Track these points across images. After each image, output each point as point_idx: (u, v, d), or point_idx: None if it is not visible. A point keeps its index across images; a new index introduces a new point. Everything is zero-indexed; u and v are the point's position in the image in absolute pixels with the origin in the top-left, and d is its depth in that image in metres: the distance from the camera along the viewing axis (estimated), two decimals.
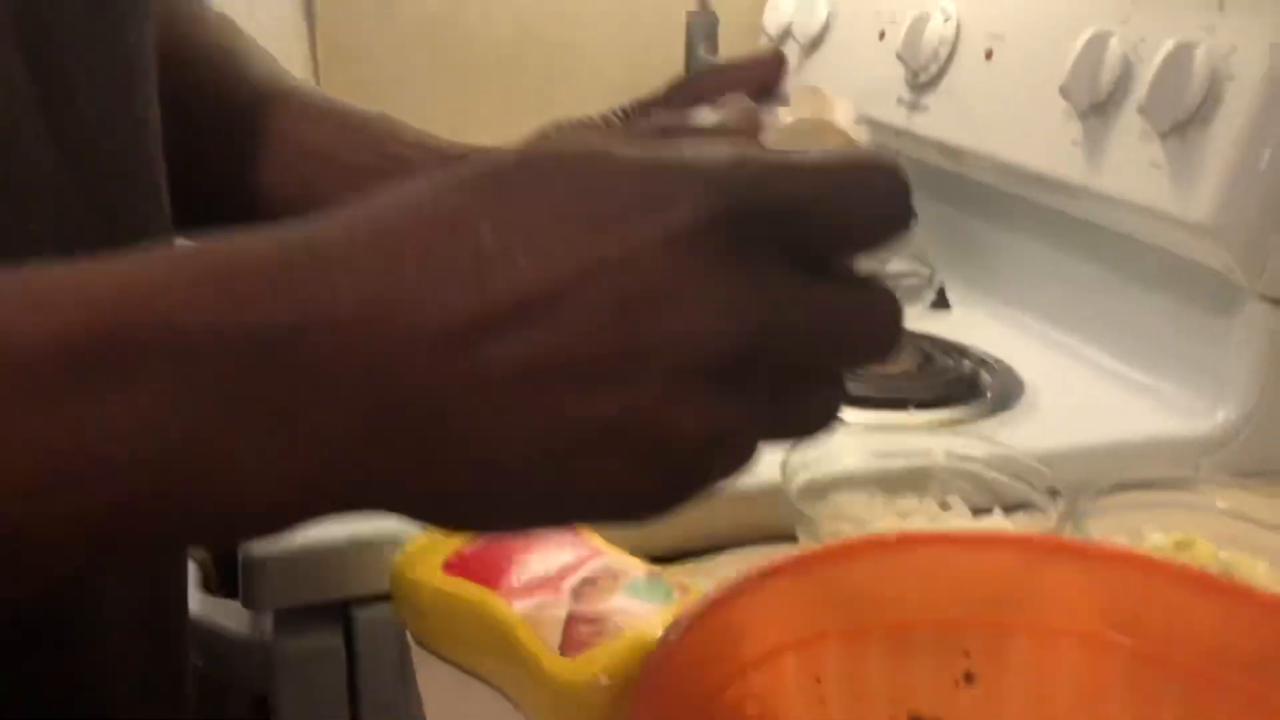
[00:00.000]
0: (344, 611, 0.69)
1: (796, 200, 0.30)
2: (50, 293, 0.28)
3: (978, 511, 0.71)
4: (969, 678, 0.50)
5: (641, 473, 0.30)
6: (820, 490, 0.71)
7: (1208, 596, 0.48)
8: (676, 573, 0.63)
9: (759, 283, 0.30)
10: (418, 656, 0.61)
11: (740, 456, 0.33)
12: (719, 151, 0.30)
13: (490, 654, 0.58)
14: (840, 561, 0.49)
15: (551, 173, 0.30)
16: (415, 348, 0.28)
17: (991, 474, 0.72)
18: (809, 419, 0.34)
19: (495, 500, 0.30)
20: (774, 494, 0.68)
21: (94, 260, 0.29)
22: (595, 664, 0.53)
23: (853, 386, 0.89)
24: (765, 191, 0.30)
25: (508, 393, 0.28)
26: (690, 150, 0.30)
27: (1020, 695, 0.50)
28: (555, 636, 0.55)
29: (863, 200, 0.31)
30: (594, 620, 0.55)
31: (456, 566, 0.60)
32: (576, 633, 0.55)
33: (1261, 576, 0.63)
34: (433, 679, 0.60)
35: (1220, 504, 0.68)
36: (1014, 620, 0.51)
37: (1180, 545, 0.66)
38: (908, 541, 0.51)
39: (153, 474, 0.27)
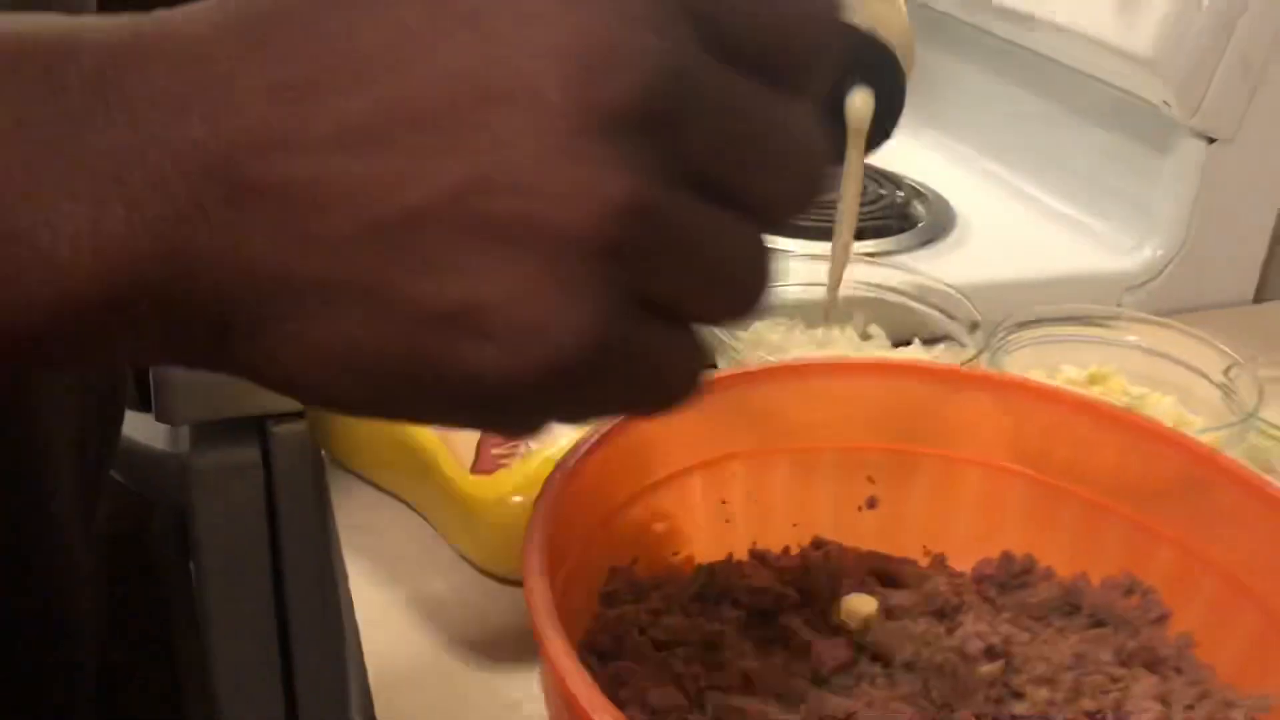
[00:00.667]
0: (260, 427, 0.69)
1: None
2: None
3: (899, 343, 0.72)
4: (871, 503, 0.52)
5: (477, 277, 0.24)
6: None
7: (1112, 430, 0.49)
8: None
9: (664, 33, 0.24)
10: (333, 474, 0.62)
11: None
12: None
13: (404, 472, 0.58)
14: (749, 385, 0.49)
15: None
16: (231, 95, 0.24)
17: (913, 304, 0.72)
18: (735, 286, 0.27)
19: (298, 313, 0.25)
20: None
21: None
22: (507, 482, 0.53)
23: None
24: None
25: (330, 149, 0.24)
26: None
27: (920, 521, 0.51)
28: (468, 456, 0.55)
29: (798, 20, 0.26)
30: (505, 443, 0.55)
31: None
32: (489, 452, 0.55)
33: (1168, 410, 0.65)
34: (347, 497, 0.60)
35: (1134, 339, 0.69)
36: (919, 449, 0.51)
37: (1093, 379, 0.67)
38: (817, 368, 0.51)
39: None
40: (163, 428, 0.71)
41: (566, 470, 0.42)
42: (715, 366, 0.24)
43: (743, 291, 0.27)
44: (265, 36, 0.24)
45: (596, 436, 0.44)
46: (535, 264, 0.23)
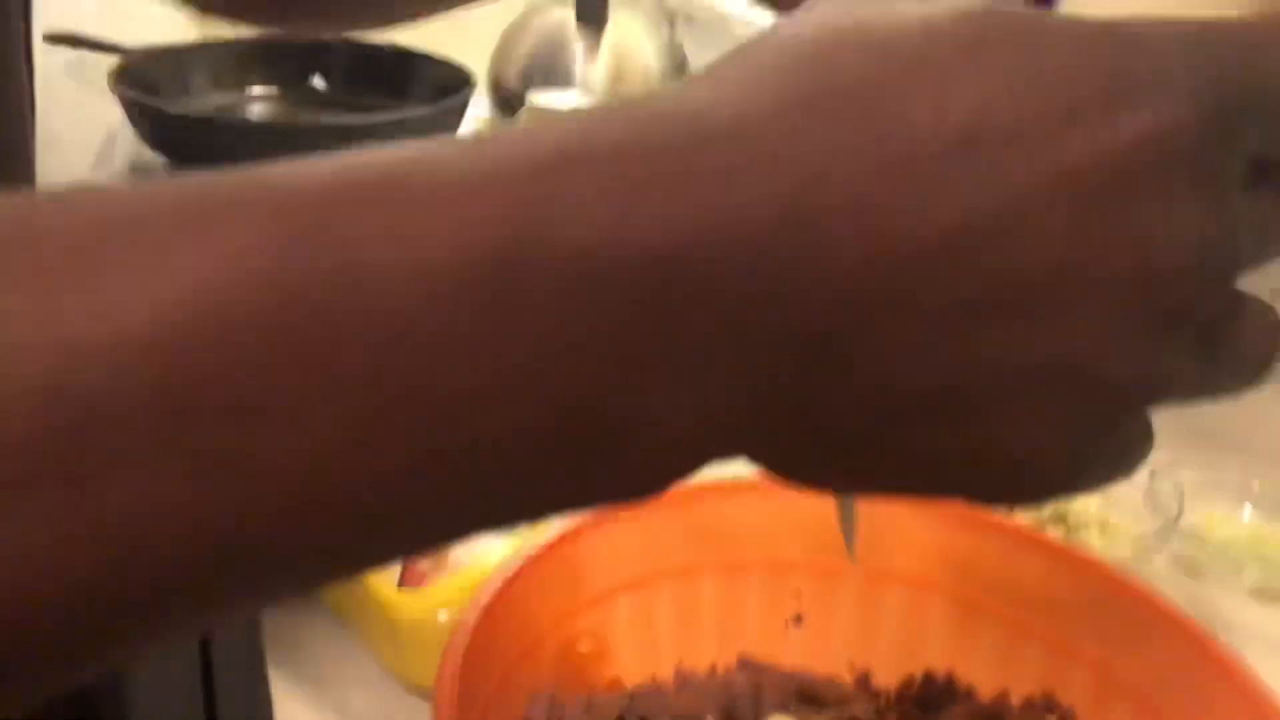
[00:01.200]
0: None
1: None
2: (402, 194, 0.21)
3: None
4: (798, 619, 0.52)
5: (1054, 429, 0.24)
6: None
7: (1032, 550, 0.50)
8: None
9: (1230, 206, 0.24)
10: None
11: (1146, 431, 0.27)
12: (1185, 24, 0.24)
13: (331, 586, 0.57)
14: (678, 504, 0.50)
15: (993, 41, 0.23)
16: (837, 269, 0.22)
17: None
18: (1240, 366, 0.27)
19: (875, 451, 0.24)
20: None
21: (429, 150, 0.22)
22: (434, 598, 0.53)
23: None
24: (1254, 80, 0.24)
25: (926, 323, 0.23)
26: (1154, 25, 0.24)
27: (845, 637, 0.52)
28: (394, 570, 0.55)
29: None
30: (433, 557, 0.55)
31: None
32: (416, 567, 0.55)
33: (1093, 514, 0.66)
34: (274, 612, 0.59)
35: None
36: (845, 563, 0.52)
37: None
38: (744, 486, 0.51)
39: (540, 434, 0.21)
40: None
41: (486, 597, 0.42)
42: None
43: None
44: (859, 186, 0.22)
45: (522, 560, 0.44)
46: (1094, 413, 0.25)
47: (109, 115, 1.17)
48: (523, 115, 0.92)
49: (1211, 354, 0.26)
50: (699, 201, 0.21)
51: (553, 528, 0.47)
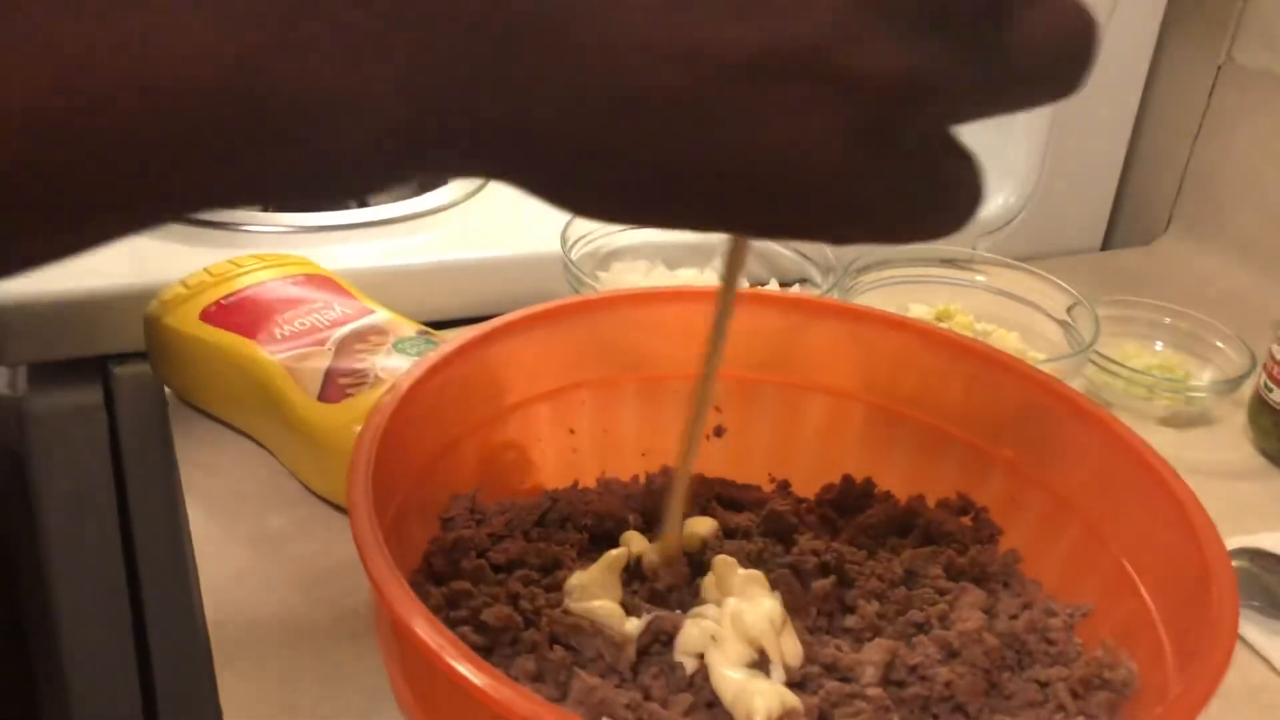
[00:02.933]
0: (102, 367, 0.66)
1: None
2: None
3: (756, 284, 0.72)
4: (719, 431, 0.52)
5: (811, 131, 0.23)
6: (602, 260, 0.71)
7: (960, 360, 0.50)
8: (449, 335, 0.62)
9: None
10: (175, 410, 0.60)
11: (953, 146, 0.26)
12: None
13: (250, 406, 0.56)
14: (597, 313, 0.49)
15: None
16: None
17: (770, 247, 0.73)
18: (1035, 64, 0.25)
19: (625, 162, 0.24)
20: (554, 262, 0.67)
21: None
22: (353, 411, 0.52)
23: None
24: None
25: (642, 10, 0.22)
26: None
27: (766, 448, 0.52)
28: (314, 386, 0.54)
29: None
30: (355, 374, 0.54)
31: (215, 316, 0.58)
32: (336, 384, 0.54)
33: (1012, 345, 0.67)
34: (190, 434, 0.58)
35: (982, 280, 0.70)
36: (767, 377, 0.52)
37: (940, 316, 0.68)
38: (665, 295, 0.51)
39: (206, 97, 0.22)
40: None
41: (399, 393, 0.41)
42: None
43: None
44: None
45: (432, 361, 0.43)
46: (847, 116, 0.23)
47: None
48: None
49: (990, 48, 0.24)
50: None
51: (464, 334, 0.46)
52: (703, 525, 0.45)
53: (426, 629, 0.30)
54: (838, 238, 0.27)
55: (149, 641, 0.75)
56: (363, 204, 0.79)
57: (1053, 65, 0.25)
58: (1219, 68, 0.88)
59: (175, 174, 0.23)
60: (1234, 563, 0.53)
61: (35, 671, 0.81)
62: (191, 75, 0.22)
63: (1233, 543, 0.54)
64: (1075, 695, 0.39)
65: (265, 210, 0.76)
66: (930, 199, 0.26)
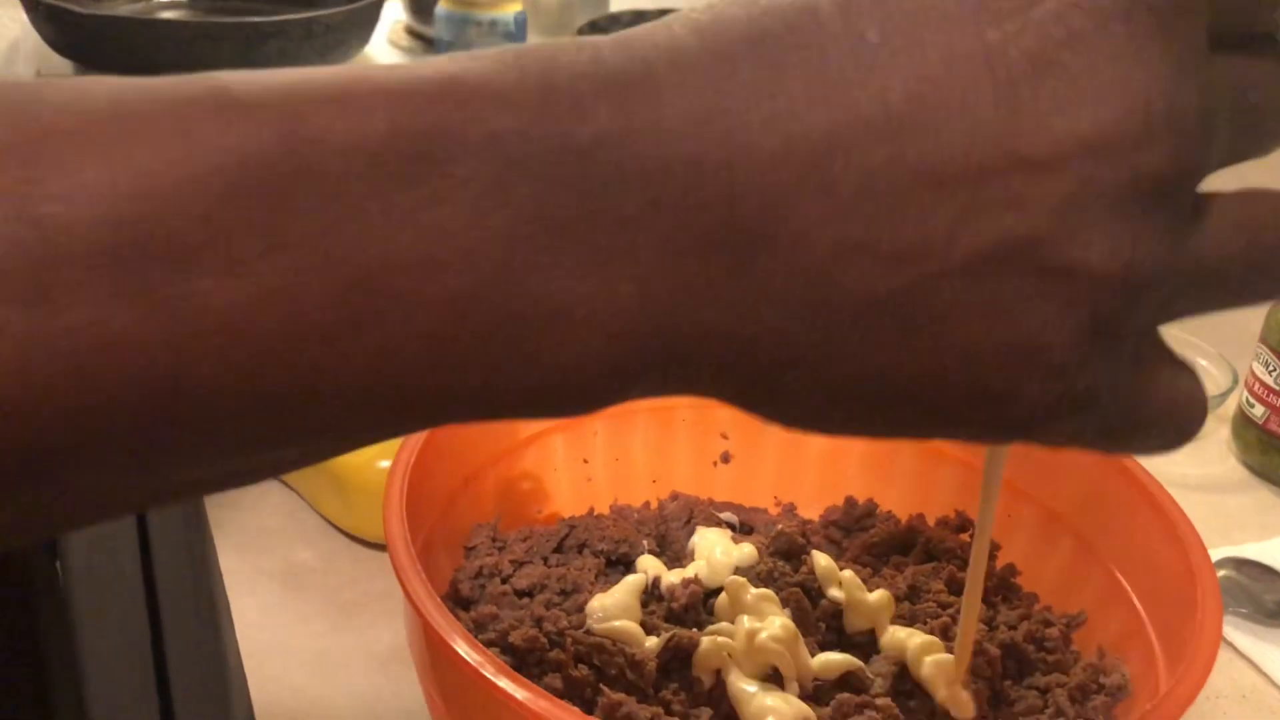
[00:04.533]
0: None
1: None
2: (352, 85, 0.22)
3: None
4: (725, 458, 0.54)
5: (1025, 329, 0.23)
6: None
7: None
8: None
9: (1195, 66, 0.22)
10: None
11: (1158, 347, 0.25)
12: None
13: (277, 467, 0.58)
14: None
15: None
16: (750, 154, 0.22)
17: None
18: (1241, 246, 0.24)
19: (831, 371, 0.23)
20: None
21: (399, 65, 0.23)
22: (375, 448, 0.54)
23: None
24: None
25: (855, 213, 0.22)
26: None
27: (771, 473, 0.54)
28: None
29: None
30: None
31: None
32: None
33: None
34: None
35: None
36: None
37: None
38: None
39: (463, 309, 0.22)
40: None
41: (421, 436, 0.43)
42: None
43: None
44: (769, 85, 0.22)
45: None
46: (1071, 308, 0.23)
47: (11, 23, 1.14)
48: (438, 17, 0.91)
49: (1194, 234, 0.24)
50: (616, 99, 0.22)
51: None
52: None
53: (467, 649, 0.32)
54: (1059, 440, 0.25)
55: (170, 679, 0.77)
56: None
57: (1251, 254, 0.25)
58: None
59: (430, 379, 0.23)
60: (1221, 572, 0.55)
61: (57, 707, 0.83)
62: (454, 284, 0.22)
63: (1219, 553, 0.57)
64: (1073, 700, 0.41)
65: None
66: (1155, 405, 0.25)
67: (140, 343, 0.20)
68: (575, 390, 0.24)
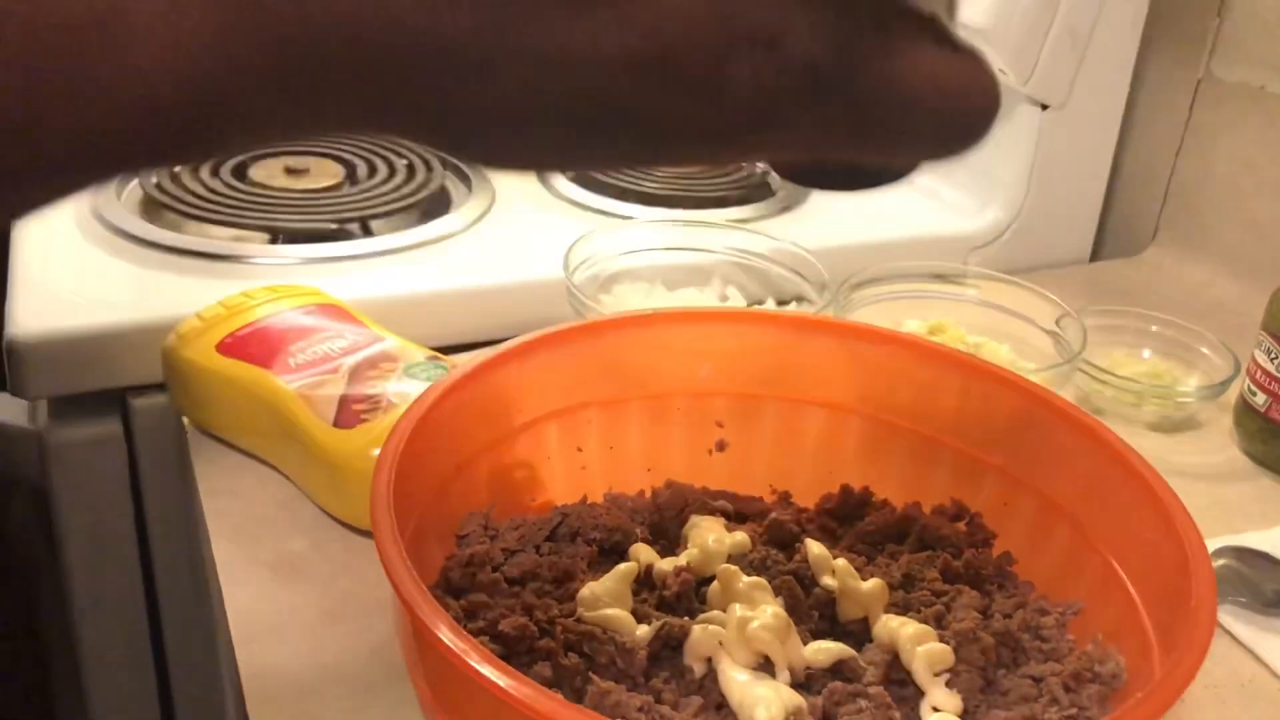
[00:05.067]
0: (121, 399, 0.68)
1: None
2: None
3: (754, 303, 0.74)
4: (721, 446, 0.54)
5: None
6: (604, 284, 0.73)
7: (952, 372, 0.52)
8: (457, 360, 0.64)
9: None
10: (194, 440, 0.62)
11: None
12: None
13: (267, 433, 0.58)
14: (600, 335, 0.51)
15: None
16: None
17: (767, 267, 0.75)
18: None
19: (506, 55, 0.21)
20: (558, 286, 0.69)
21: None
22: (369, 435, 0.54)
23: (646, 184, 0.90)
24: None
25: None
26: None
27: (767, 462, 0.54)
28: (330, 413, 0.56)
29: None
30: (369, 399, 0.56)
31: (230, 348, 0.60)
32: (350, 410, 0.56)
33: (1003, 357, 0.69)
34: (209, 462, 0.60)
35: (973, 293, 0.72)
36: (765, 393, 0.54)
37: (933, 330, 0.70)
38: (667, 317, 0.53)
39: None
40: (19, 403, 0.70)
41: (415, 417, 0.43)
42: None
43: None
44: None
45: (445, 385, 0.45)
46: None
47: None
48: None
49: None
50: None
51: (475, 358, 0.48)
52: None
53: (451, 636, 0.32)
54: (804, 139, 0.22)
55: (169, 669, 0.77)
56: (369, 233, 0.81)
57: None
58: (1198, 82, 0.90)
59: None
60: (1221, 561, 0.55)
61: (57, 701, 0.83)
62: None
63: (1219, 542, 0.56)
64: (1068, 689, 0.41)
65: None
66: (910, 84, 0.22)
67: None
68: (163, 124, 0.21)
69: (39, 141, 0.21)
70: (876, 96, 0.22)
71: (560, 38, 0.20)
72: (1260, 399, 0.65)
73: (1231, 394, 0.69)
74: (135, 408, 0.68)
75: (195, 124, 0.21)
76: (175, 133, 0.22)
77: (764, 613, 0.42)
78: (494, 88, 0.20)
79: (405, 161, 0.90)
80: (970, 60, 0.23)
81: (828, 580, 0.45)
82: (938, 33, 0.23)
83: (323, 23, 0.20)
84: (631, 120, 0.21)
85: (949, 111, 0.23)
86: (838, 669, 0.42)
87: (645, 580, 0.45)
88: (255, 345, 0.60)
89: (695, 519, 0.49)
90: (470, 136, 0.22)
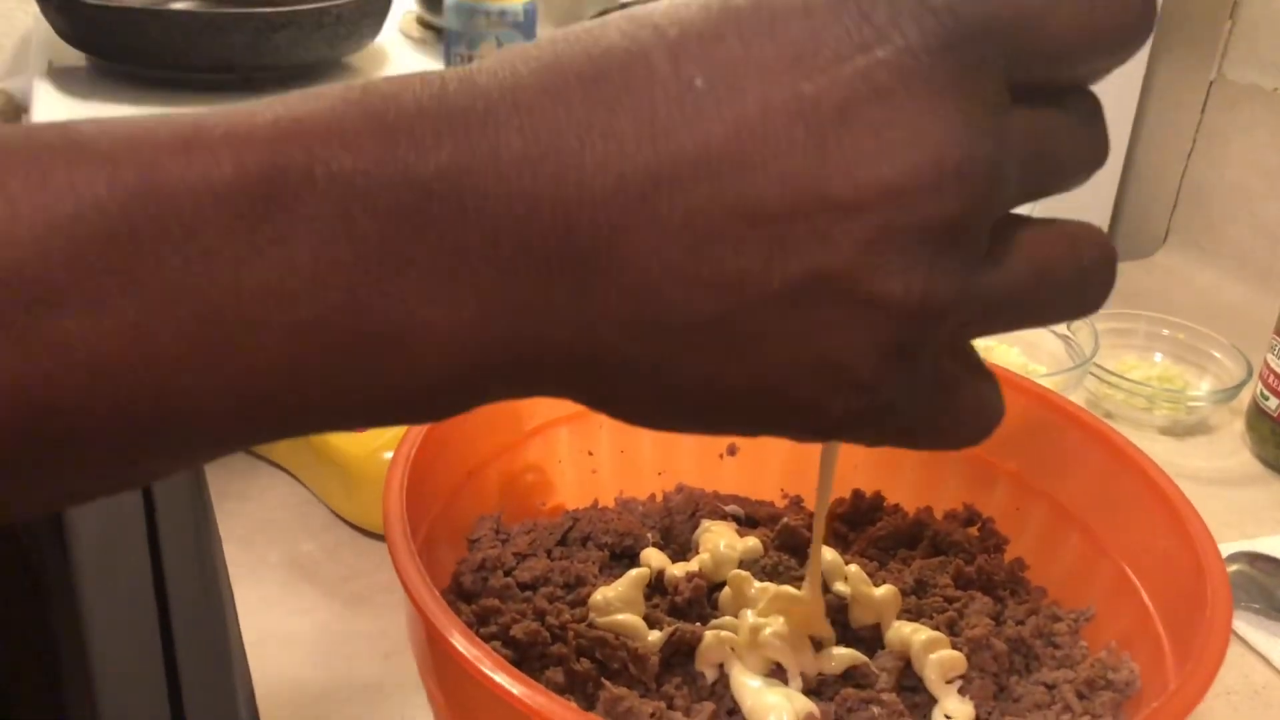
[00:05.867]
0: None
1: (1026, 10, 0.25)
2: (199, 133, 0.24)
3: None
4: (732, 450, 0.54)
5: (839, 351, 0.26)
6: None
7: None
8: None
9: (989, 121, 0.25)
10: None
11: (967, 357, 0.29)
12: None
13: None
14: None
15: (732, 11, 0.25)
16: (583, 191, 0.24)
17: None
18: (1076, 296, 0.28)
19: (667, 381, 0.26)
20: None
21: (242, 107, 0.25)
22: (379, 439, 0.54)
23: None
24: (989, 5, 0.25)
25: (680, 244, 0.24)
26: None
27: (778, 466, 0.54)
28: None
29: (1102, 7, 0.26)
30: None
31: None
32: None
33: (1014, 361, 0.69)
34: (219, 465, 0.60)
35: None
36: None
37: None
38: None
39: (314, 336, 0.24)
40: None
41: (422, 428, 0.43)
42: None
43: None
44: (603, 125, 0.24)
45: None
46: (873, 334, 0.26)
47: (23, 15, 1.14)
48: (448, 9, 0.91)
49: (994, 269, 0.26)
50: (456, 136, 0.24)
51: None
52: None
53: (464, 644, 0.32)
54: (867, 440, 0.29)
55: (179, 672, 0.77)
56: None
57: (1040, 287, 0.27)
58: (1210, 84, 0.90)
59: (287, 399, 0.25)
60: (1234, 567, 0.55)
61: (68, 703, 0.83)
62: (303, 312, 0.24)
63: (1233, 547, 0.56)
64: (1081, 696, 0.40)
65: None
66: (953, 413, 0.29)
67: (15, 376, 0.22)
68: (424, 402, 0.26)
69: (333, 414, 0.26)
70: (931, 420, 0.28)
71: (711, 374, 0.26)
72: (1273, 403, 0.65)
73: (1244, 398, 0.69)
74: None
75: (445, 404, 0.27)
76: (428, 409, 0.27)
77: (776, 620, 0.42)
78: (657, 393, 0.27)
79: None
80: (992, 382, 0.30)
81: (840, 586, 0.45)
82: (975, 361, 0.29)
83: (549, 342, 0.25)
84: (746, 420, 0.28)
85: (969, 428, 0.29)
86: (850, 675, 0.42)
87: (656, 585, 0.45)
88: None
89: (706, 523, 0.49)
90: (629, 416, 0.28)
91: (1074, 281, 0.28)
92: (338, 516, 0.56)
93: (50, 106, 0.91)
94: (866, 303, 0.25)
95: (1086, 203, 0.91)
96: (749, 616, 0.42)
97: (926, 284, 0.25)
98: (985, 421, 0.30)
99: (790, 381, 0.26)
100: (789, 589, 0.43)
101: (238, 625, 0.51)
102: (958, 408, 0.29)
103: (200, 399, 0.24)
